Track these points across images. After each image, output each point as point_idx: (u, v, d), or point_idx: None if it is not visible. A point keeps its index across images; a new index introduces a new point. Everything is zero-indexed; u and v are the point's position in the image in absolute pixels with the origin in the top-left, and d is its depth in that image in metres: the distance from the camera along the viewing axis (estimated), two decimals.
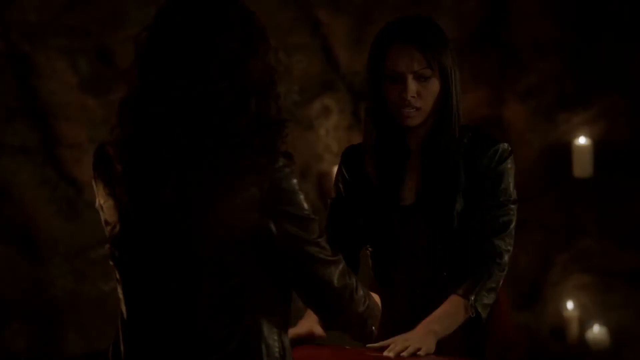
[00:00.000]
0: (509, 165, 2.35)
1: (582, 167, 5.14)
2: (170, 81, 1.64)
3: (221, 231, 1.62)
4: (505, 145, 2.36)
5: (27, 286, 4.66)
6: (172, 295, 1.66)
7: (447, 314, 2.28)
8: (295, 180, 1.68)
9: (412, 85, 2.27)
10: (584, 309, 5.25)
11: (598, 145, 5.15)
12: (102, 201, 1.73)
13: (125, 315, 1.71)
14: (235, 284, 1.65)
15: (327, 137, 5.23)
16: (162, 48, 1.65)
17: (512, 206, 2.35)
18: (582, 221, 5.27)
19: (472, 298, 2.28)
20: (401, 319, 2.37)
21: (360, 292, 1.75)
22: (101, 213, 1.76)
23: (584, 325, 5.23)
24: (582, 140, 5.15)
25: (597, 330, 5.21)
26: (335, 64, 5.20)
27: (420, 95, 2.28)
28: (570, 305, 5.22)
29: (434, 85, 2.29)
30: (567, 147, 5.18)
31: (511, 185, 2.35)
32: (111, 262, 1.73)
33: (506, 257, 2.34)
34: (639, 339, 5.19)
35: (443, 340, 2.27)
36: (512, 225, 2.35)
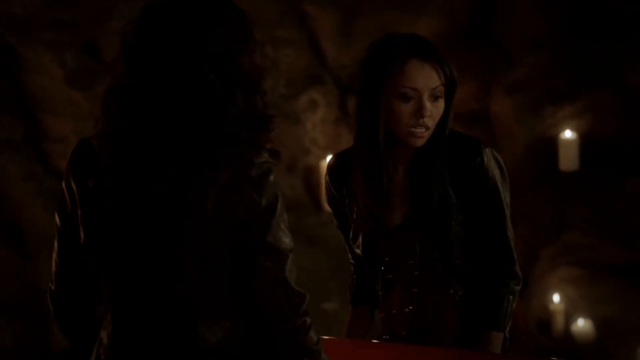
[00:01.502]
0: (494, 168, 2.29)
1: (569, 161, 5.15)
2: (159, 73, 1.64)
3: (205, 223, 1.63)
4: (487, 149, 2.28)
5: (14, 280, 4.65)
6: (158, 291, 1.67)
7: (488, 351, 2.29)
8: (273, 181, 1.64)
9: (428, 104, 2.20)
10: (569, 302, 5.27)
11: (584, 139, 5.17)
12: (74, 201, 1.71)
13: (111, 305, 1.72)
14: (219, 282, 1.65)
15: (314, 130, 5.23)
16: (152, 41, 1.65)
17: (507, 215, 2.32)
18: (568, 215, 5.29)
19: (507, 329, 2.30)
20: (396, 324, 2.39)
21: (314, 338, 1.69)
22: (59, 215, 1.74)
23: (570, 318, 5.25)
24: (568, 134, 5.17)
25: (582, 324, 5.24)
26: (323, 58, 5.20)
27: (432, 115, 2.21)
28: (556, 298, 5.25)
29: (442, 104, 2.24)
30: (553, 141, 5.20)
31: (501, 195, 2.30)
32: (89, 257, 1.72)
33: (520, 271, 2.33)
34: (624, 331, 5.22)
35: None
36: (513, 237, 2.33)
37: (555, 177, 5.22)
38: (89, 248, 1.71)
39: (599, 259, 5.28)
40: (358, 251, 2.39)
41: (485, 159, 2.27)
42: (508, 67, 5.25)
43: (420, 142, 2.23)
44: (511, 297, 2.30)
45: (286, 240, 1.66)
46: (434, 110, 2.22)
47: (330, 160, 2.45)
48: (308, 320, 1.68)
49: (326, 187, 2.45)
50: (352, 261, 2.49)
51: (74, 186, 1.72)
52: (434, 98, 2.22)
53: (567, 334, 5.23)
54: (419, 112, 2.20)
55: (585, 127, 5.21)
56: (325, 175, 2.45)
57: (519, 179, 5.10)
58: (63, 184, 1.75)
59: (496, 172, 2.30)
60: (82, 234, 1.71)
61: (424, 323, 2.38)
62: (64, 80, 4.76)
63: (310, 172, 5.25)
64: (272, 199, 1.64)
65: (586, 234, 5.27)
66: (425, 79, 2.20)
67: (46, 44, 4.70)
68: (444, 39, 5.17)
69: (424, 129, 2.22)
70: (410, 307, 2.38)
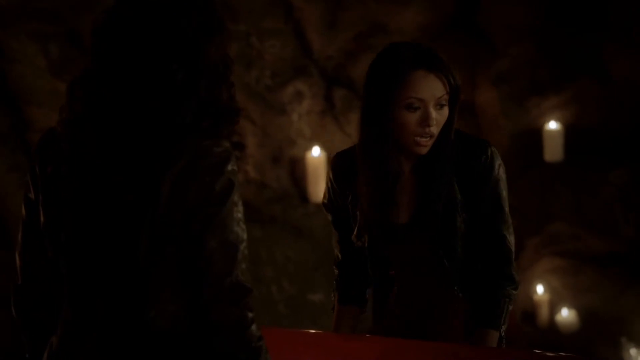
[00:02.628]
0: (499, 167, 2.34)
1: (553, 152, 5.17)
2: (122, 61, 1.65)
3: (159, 208, 1.63)
4: (492, 148, 2.34)
5: None
6: (111, 276, 1.67)
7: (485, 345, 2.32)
8: (231, 169, 1.63)
9: (434, 113, 2.23)
10: (554, 293, 5.30)
11: (569, 130, 5.19)
12: (37, 188, 1.71)
13: (68, 295, 1.71)
14: (170, 268, 1.65)
15: (300, 121, 5.23)
16: (116, 29, 1.66)
17: (509, 217, 2.36)
18: (553, 205, 5.31)
19: (504, 329, 2.33)
20: (397, 321, 2.41)
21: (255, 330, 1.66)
22: (24, 205, 1.74)
23: (554, 308, 5.28)
24: (552, 125, 5.19)
25: (566, 314, 5.27)
26: (309, 49, 5.19)
27: (437, 123, 2.25)
28: (540, 289, 5.27)
29: (446, 112, 2.27)
30: (538, 132, 5.22)
31: (504, 192, 2.35)
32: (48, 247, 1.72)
33: (518, 276, 2.37)
34: (608, 321, 5.26)
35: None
36: (514, 242, 2.37)
37: (540, 168, 5.24)
38: (47, 233, 1.71)
39: (582, 249, 5.31)
40: (359, 243, 2.40)
41: (491, 158, 2.32)
42: (493, 59, 5.26)
43: (424, 150, 2.27)
44: (507, 299, 2.33)
45: (237, 230, 1.64)
46: (439, 119, 2.25)
47: (333, 159, 2.47)
48: (250, 315, 1.64)
49: (328, 185, 2.46)
50: (339, 256, 2.49)
51: (37, 172, 1.73)
52: (439, 107, 2.25)
53: (552, 324, 5.26)
54: (425, 121, 2.23)
55: (569, 118, 5.23)
56: (328, 173, 2.46)
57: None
58: (28, 173, 1.75)
59: (501, 172, 2.34)
60: (42, 219, 1.72)
61: (425, 322, 2.40)
62: (48, 71, 4.74)
63: (296, 163, 5.24)
64: (225, 186, 1.62)
65: (570, 224, 5.30)
66: (431, 89, 2.23)
67: (30, 34, 4.67)
68: (429, 30, 5.18)
69: (429, 138, 2.25)
70: (411, 305, 2.39)
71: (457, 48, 5.17)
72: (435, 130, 2.25)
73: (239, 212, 1.64)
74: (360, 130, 2.33)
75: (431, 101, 2.23)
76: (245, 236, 1.65)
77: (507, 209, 2.36)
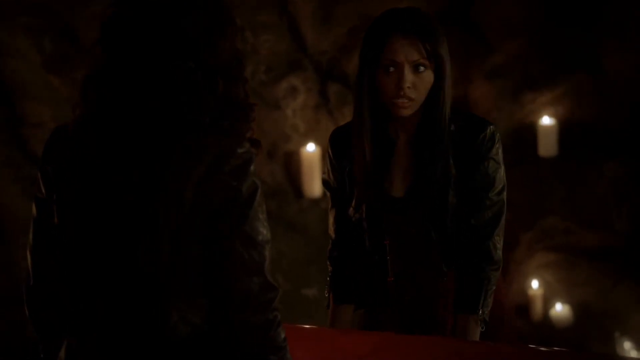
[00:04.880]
0: (498, 148, 2.37)
1: (547, 147, 5.18)
2: (136, 60, 1.62)
3: (182, 211, 1.61)
4: (492, 127, 2.37)
5: None
6: (131, 279, 1.64)
7: (464, 335, 2.33)
8: (253, 170, 1.63)
9: (409, 76, 2.28)
10: (548, 287, 5.31)
11: (563, 125, 5.19)
12: (50, 187, 1.68)
13: (71, 297, 1.69)
14: (192, 272, 1.64)
15: (295, 116, 5.22)
16: (129, 26, 1.63)
17: (502, 195, 2.38)
18: (547, 200, 5.32)
19: (481, 312, 2.34)
20: (389, 296, 2.42)
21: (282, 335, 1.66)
22: (35, 204, 1.72)
23: (548, 303, 5.29)
24: (546, 119, 5.19)
25: (560, 308, 5.28)
26: (303, 44, 5.18)
27: (415, 86, 2.29)
28: (534, 283, 5.28)
29: (429, 77, 2.30)
30: (532, 127, 5.22)
31: (501, 170, 2.38)
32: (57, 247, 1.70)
33: (500, 254, 2.39)
34: (601, 316, 5.27)
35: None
36: (503, 217, 2.39)
37: (534, 163, 5.25)
38: (60, 234, 1.69)
39: (576, 244, 5.32)
40: (357, 216, 2.41)
41: (490, 137, 2.35)
42: (487, 54, 5.26)
43: (404, 112, 2.31)
44: (486, 281, 2.33)
45: (263, 231, 1.64)
46: (417, 82, 2.29)
47: (332, 133, 2.52)
48: (279, 315, 1.65)
49: (327, 160, 2.50)
50: (333, 236, 2.50)
51: (50, 172, 1.70)
52: (416, 70, 2.29)
53: (546, 319, 5.26)
54: (399, 83, 2.28)
55: (563, 113, 5.23)
56: (327, 146, 2.50)
57: None
58: (39, 172, 1.72)
59: (497, 152, 2.37)
60: (56, 219, 1.69)
61: (411, 293, 2.42)
62: (41, 65, 4.72)
63: (291, 159, 5.24)
64: (251, 189, 1.62)
65: (564, 218, 5.30)
66: (405, 52, 2.28)
67: (24, 28, 4.66)
68: None
69: (406, 100, 2.29)
70: (403, 276, 2.41)
71: (452, 43, 5.16)
72: (412, 93, 2.29)
73: (263, 212, 1.64)
74: (354, 98, 2.39)
75: (406, 64, 2.28)
76: (269, 236, 1.65)
77: (497, 185, 2.37)
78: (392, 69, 2.29)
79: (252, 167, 1.63)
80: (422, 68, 2.29)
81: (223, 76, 1.65)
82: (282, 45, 5.14)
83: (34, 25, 4.67)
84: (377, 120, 2.35)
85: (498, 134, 2.37)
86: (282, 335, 1.66)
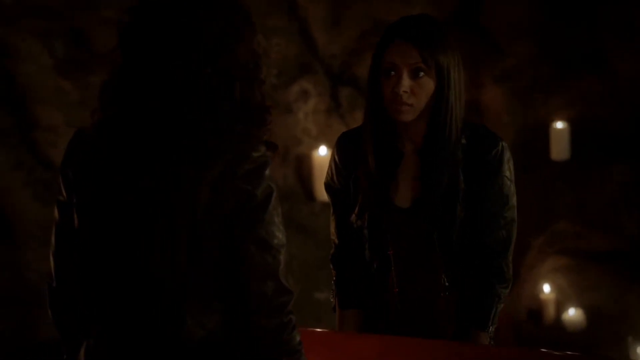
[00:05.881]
0: (510, 165, 2.36)
1: (560, 150, 5.17)
2: (154, 65, 1.62)
3: (198, 214, 1.61)
4: (504, 143, 2.36)
5: (2, 269, 4.64)
6: (147, 282, 1.64)
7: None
8: (269, 174, 1.63)
9: (406, 81, 2.28)
10: (560, 292, 5.29)
11: (575, 128, 5.18)
12: (71, 191, 1.69)
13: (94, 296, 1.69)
14: (207, 275, 1.64)
15: (306, 120, 5.23)
16: (147, 32, 1.63)
17: (515, 213, 2.38)
18: (559, 204, 5.30)
19: (491, 329, 2.34)
20: (392, 310, 2.41)
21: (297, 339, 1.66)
22: (57, 208, 1.72)
23: (561, 307, 5.27)
24: (559, 123, 5.18)
25: (573, 313, 5.26)
26: (313, 47, 5.19)
27: (413, 91, 2.28)
28: (546, 288, 5.26)
29: (428, 83, 2.29)
30: (544, 130, 5.21)
31: (513, 187, 2.37)
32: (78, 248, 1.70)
33: (511, 273, 2.38)
34: (614, 319, 5.24)
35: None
36: (513, 239, 2.39)
37: (544, 166, 5.23)
38: (81, 237, 1.70)
39: (587, 248, 5.30)
40: (359, 223, 2.41)
41: (501, 152, 2.35)
42: (497, 57, 5.26)
43: (403, 117, 2.30)
44: (497, 299, 2.34)
45: (279, 234, 1.64)
46: (416, 88, 2.29)
47: (339, 138, 2.51)
48: (294, 318, 1.65)
49: (331, 164, 2.49)
50: (336, 241, 2.49)
51: (70, 176, 1.71)
52: (417, 76, 2.28)
53: (558, 323, 5.25)
54: (396, 86, 2.28)
55: (573, 116, 5.22)
56: (332, 152, 2.49)
57: None
58: (60, 176, 1.73)
59: (509, 167, 2.36)
60: (76, 222, 1.70)
61: (412, 304, 2.41)
62: (53, 69, 4.74)
63: (302, 162, 5.24)
64: (266, 192, 1.62)
65: (574, 222, 5.29)
66: (404, 56, 2.28)
67: (36, 32, 4.67)
68: None
69: (404, 104, 2.28)
70: (406, 288, 2.40)
71: (461, 47, 5.15)
72: (410, 99, 2.28)
73: (279, 216, 1.64)
74: (365, 106, 2.39)
75: (404, 68, 2.28)
76: (285, 240, 1.65)
77: (511, 203, 2.37)
78: (392, 72, 2.29)
79: (267, 171, 1.62)
80: (421, 73, 2.28)
81: (240, 79, 1.65)
82: (293, 49, 5.14)
83: (45, 29, 4.68)
84: (380, 126, 2.34)
85: (509, 151, 2.38)
86: (297, 339, 1.66)
